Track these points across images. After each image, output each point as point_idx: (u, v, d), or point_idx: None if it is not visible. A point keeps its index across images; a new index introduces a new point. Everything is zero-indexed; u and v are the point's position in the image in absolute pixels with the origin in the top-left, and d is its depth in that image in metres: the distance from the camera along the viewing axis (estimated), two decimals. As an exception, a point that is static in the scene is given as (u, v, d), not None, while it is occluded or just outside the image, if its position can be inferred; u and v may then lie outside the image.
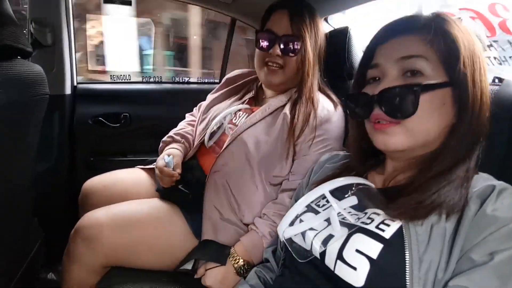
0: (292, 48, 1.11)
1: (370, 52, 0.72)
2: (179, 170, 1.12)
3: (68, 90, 1.65)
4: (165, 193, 1.17)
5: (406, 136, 0.63)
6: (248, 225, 1.06)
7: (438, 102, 0.61)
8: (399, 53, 0.65)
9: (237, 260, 0.98)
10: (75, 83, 1.72)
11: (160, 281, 1.00)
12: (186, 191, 1.14)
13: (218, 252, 1.00)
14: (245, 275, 0.95)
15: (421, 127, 0.62)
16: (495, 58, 0.96)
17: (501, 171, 0.68)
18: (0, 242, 0.95)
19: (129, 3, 1.84)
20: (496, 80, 0.81)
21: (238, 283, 0.94)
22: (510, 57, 0.92)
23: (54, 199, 1.63)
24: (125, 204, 1.11)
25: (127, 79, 1.94)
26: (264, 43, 1.14)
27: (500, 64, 0.95)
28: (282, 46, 1.11)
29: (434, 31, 0.62)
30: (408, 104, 0.60)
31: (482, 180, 0.59)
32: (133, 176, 1.32)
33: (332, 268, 0.60)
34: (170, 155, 1.15)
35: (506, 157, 0.70)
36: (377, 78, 0.69)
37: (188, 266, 1.02)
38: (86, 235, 1.00)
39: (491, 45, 0.96)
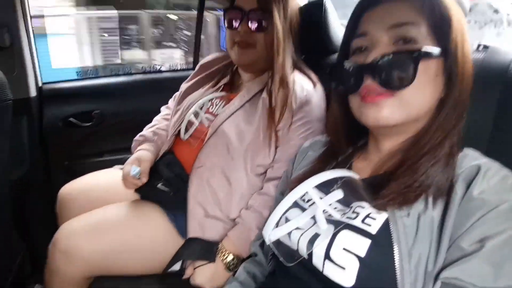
0: (260, 23, 1.04)
1: (356, 19, 0.67)
2: (144, 179, 1.07)
3: (33, 92, 1.56)
4: (144, 192, 1.12)
5: (400, 109, 0.58)
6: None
7: (432, 72, 0.58)
8: (390, 20, 0.60)
9: (226, 256, 0.96)
10: (40, 84, 1.62)
11: (148, 286, 0.97)
12: (166, 190, 1.09)
13: (205, 249, 0.97)
14: (235, 270, 0.93)
15: (416, 100, 0.58)
16: (475, 22, 0.93)
17: (492, 141, 0.67)
18: None
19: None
20: (481, 47, 0.77)
21: (228, 280, 0.91)
22: (491, 20, 0.89)
23: (32, 208, 1.57)
24: (102, 210, 1.06)
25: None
26: (233, 21, 1.07)
27: (480, 28, 0.93)
28: (250, 22, 1.04)
29: None
30: (407, 73, 0.56)
31: (468, 160, 0.57)
32: (111, 177, 1.26)
33: (320, 269, 0.57)
34: (138, 164, 1.09)
35: (495, 127, 0.68)
36: (363, 48, 0.64)
37: (176, 267, 0.99)
38: (63, 247, 0.96)
39: (471, 9, 0.93)
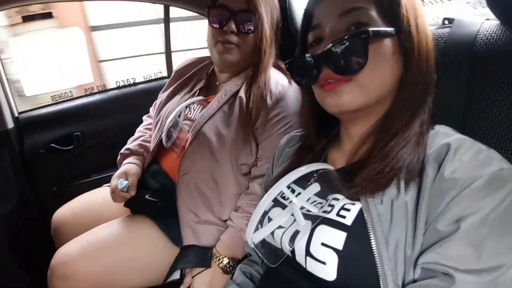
0: (248, 25, 1.04)
1: (309, 13, 0.67)
2: (133, 192, 1.09)
3: (10, 124, 1.55)
4: (134, 206, 1.13)
5: (359, 93, 0.58)
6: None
7: (387, 51, 0.58)
8: (339, 8, 0.60)
9: (221, 260, 0.97)
10: (16, 114, 1.61)
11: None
12: (154, 200, 1.10)
13: (200, 256, 0.99)
14: (232, 272, 0.94)
15: (373, 81, 0.58)
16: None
17: (464, 117, 0.66)
18: None
19: (50, 16, 1.74)
20: (446, 22, 0.76)
21: (226, 283, 0.93)
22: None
23: (28, 238, 1.56)
24: (94, 231, 1.07)
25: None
26: (218, 20, 1.05)
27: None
28: (237, 23, 1.03)
29: None
30: (358, 55, 0.56)
31: (438, 138, 0.56)
32: (101, 197, 1.27)
33: (304, 265, 0.59)
34: (126, 178, 1.11)
35: (467, 101, 0.67)
36: (319, 40, 0.64)
37: (176, 275, 1.01)
38: (61, 273, 0.97)
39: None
